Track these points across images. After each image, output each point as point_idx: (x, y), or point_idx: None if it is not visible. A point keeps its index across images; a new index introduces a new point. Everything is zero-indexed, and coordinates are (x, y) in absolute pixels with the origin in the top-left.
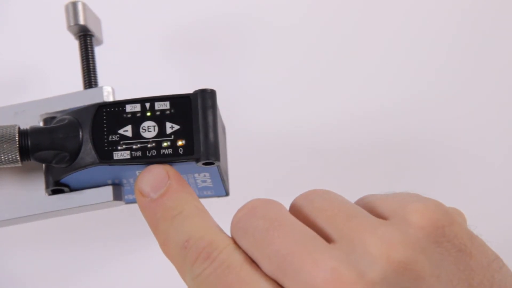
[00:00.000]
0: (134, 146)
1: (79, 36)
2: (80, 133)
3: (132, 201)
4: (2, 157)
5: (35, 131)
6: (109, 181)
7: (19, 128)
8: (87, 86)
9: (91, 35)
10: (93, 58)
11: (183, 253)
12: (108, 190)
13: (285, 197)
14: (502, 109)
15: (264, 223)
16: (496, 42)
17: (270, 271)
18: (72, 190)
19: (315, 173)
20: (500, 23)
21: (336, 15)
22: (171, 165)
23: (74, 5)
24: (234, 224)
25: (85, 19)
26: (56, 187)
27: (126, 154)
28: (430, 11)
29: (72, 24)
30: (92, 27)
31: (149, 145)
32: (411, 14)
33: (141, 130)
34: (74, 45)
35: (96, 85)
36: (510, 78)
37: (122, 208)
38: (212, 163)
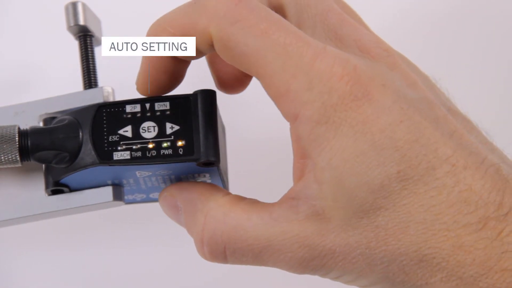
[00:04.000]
0: (134, 147)
1: (79, 36)
2: (80, 133)
3: (132, 201)
4: (2, 158)
5: (35, 131)
6: (109, 181)
7: (19, 128)
8: (87, 87)
9: (91, 36)
10: (93, 58)
11: None
12: (108, 190)
13: None
14: None
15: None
16: None
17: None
18: (72, 190)
19: None
20: None
21: None
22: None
23: (74, 5)
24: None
25: (85, 19)
26: (56, 187)
27: (126, 155)
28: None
29: (72, 24)
30: (92, 27)
31: (149, 146)
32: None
33: (141, 130)
34: (74, 45)
35: (96, 85)
36: None
37: (122, 208)
38: (212, 163)
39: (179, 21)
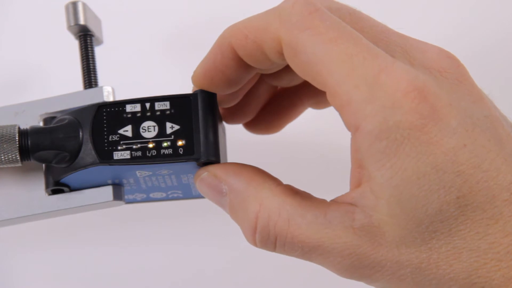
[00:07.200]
0: (134, 146)
1: (79, 36)
2: (80, 133)
3: (133, 201)
4: (2, 157)
5: (35, 131)
6: (109, 181)
7: (19, 128)
8: (87, 86)
9: (91, 35)
10: (93, 58)
11: None
12: (108, 190)
13: None
14: None
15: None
16: None
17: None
18: (72, 190)
19: (316, 173)
20: None
21: None
22: (171, 164)
23: (74, 5)
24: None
25: (85, 19)
26: (56, 187)
27: (126, 154)
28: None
29: (72, 24)
30: (92, 27)
31: (149, 145)
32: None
33: (141, 130)
34: (74, 45)
35: (96, 85)
36: None
37: (122, 208)
38: (212, 163)
39: (254, 23)
